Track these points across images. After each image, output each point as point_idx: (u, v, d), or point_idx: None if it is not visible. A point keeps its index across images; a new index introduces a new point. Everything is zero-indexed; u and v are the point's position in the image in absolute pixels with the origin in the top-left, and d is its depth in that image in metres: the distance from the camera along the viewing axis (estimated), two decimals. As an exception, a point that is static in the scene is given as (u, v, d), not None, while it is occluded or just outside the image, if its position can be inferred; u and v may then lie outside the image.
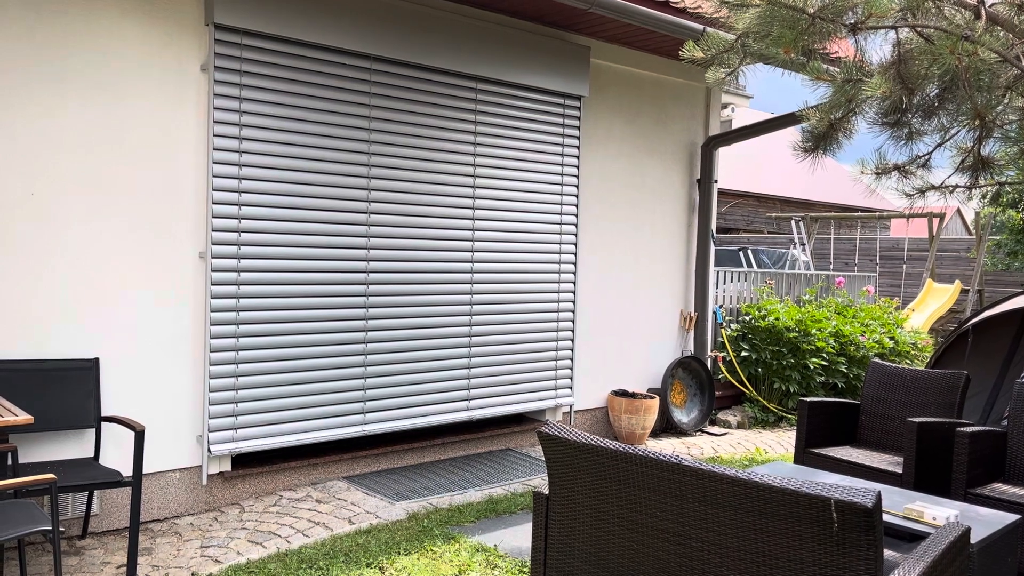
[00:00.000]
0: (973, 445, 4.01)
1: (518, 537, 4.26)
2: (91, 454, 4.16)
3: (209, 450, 4.49)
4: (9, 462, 3.36)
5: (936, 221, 13.49)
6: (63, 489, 3.52)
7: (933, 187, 4.40)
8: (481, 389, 5.76)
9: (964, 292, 13.36)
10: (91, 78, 4.10)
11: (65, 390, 3.98)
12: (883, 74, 3.52)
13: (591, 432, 6.59)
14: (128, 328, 4.26)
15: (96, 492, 4.18)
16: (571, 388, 6.32)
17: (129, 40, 4.20)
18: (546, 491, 2.65)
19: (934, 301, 12.43)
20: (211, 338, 4.49)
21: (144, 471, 4.35)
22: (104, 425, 4.19)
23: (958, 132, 4.15)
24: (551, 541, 2.62)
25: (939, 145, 4.26)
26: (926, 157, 4.34)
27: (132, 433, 4.28)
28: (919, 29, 3.49)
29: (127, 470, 4.28)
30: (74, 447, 4.12)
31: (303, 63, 4.75)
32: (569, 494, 2.54)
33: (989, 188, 4.48)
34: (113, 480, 3.67)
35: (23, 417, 3.21)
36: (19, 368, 3.88)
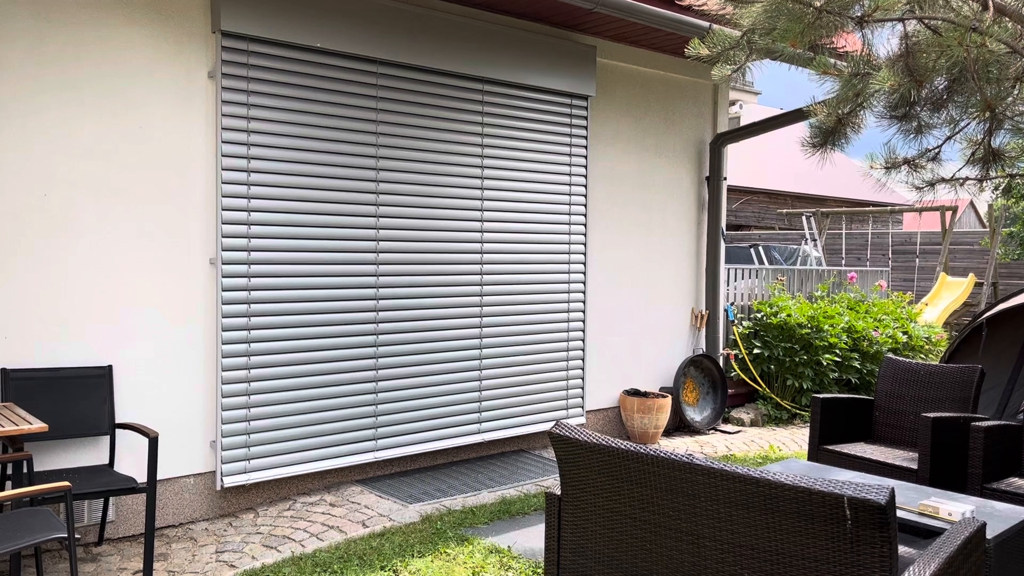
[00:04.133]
0: (989, 440, 3.98)
1: (532, 538, 4.26)
2: (106, 461, 4.19)
3: (223, 482, 4.51)
4: (25, 470, 3.39)
5: (949, 214, 13.38)
6: (78, 496, 3.54)
7: (944, 180, 4.37)
8: (492, 413, 5.75)
9: (978, 285, 13.24)
10: (101, 86, 4.12)
11: (79, 398, 4.01)
12: (891, 67, 3.49)
13: (603, 432, 6.57)
14: (141, 335, 4.29)
15: (111, 499, 4.21)
16: (582, 403, 6.30)
17: (138, 48, 4.23)
18: (558, 492, 2.64)
19: (948, 295, 12.32)
20: (223, 343, 4.50)
21: (158, 477, 4.37)
22: (118, 432, 4.21)
23: (968, 124, 4.12)
24: (564, 542, 2.62)
25: (949, 138, 4.23)
26: (936, 150, 4.31)
27: (146, 439, 4.30)
28: (926, 21, 3.47)
29: (142, 476, 4.31)
30: (89, 454, 4.15)
31: (309, 68, 4.77)
32: (582, 495, 2.54)
33: (1000, 180, 4.44)
34: (128, 486, 3.69)
35: (38, 425, 3.23)
36: (33, 376, 3.91)
